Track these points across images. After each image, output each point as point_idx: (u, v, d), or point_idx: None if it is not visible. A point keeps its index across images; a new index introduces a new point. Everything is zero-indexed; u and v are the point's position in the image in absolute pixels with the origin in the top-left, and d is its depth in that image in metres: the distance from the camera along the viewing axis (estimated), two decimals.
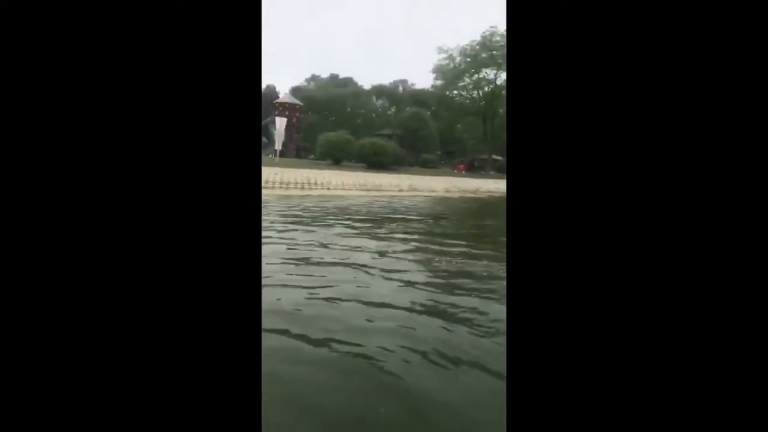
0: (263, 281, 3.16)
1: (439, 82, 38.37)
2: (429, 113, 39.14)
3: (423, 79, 75.71)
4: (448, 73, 36.69)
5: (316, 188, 15.79)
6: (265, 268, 3.60)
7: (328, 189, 16.01)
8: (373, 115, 45.74)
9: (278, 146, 19.60)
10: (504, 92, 33.82)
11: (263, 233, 5.59)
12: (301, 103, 35.04)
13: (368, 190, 17.45)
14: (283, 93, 42.25)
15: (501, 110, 35.87)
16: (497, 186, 23.95)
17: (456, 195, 19.08)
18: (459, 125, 40.46)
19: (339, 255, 4.40)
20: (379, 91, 49.10)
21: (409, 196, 17.08)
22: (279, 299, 2.81)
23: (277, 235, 5.52)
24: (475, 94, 37.74)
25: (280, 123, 19.95)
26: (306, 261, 4.11)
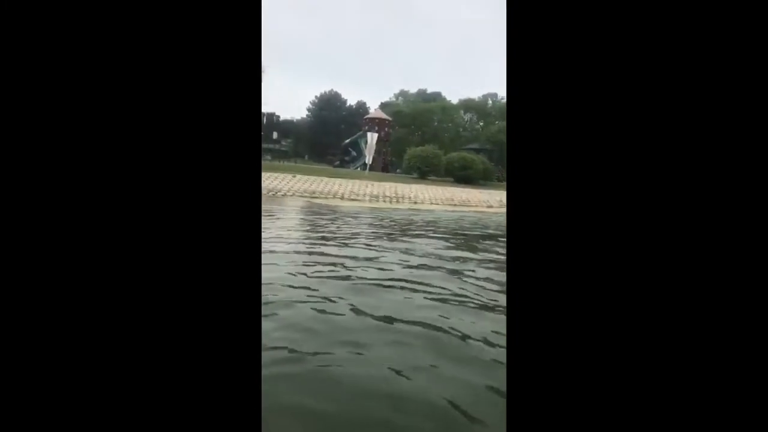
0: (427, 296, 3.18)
1: None
2: None
3: None
4: None
5: (403, 202, 15.94)
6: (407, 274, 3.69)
7: (415, 203, 16.06)
8: (461, 129, 45.33)
9: (368, 160, 20.20)
10: None
11: (372, 242, 5.72)
12: (390, 118, 35.84)
13: (455, 205, 17.22)
14: (373, 108, 43.64)
15: None
16: None
17: None
18: None
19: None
20: (467, 105, 48.59)
21: (500, 212, 16.51)
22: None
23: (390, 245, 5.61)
24: None
25: (371, 138, 20.59)
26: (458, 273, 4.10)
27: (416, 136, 39.28)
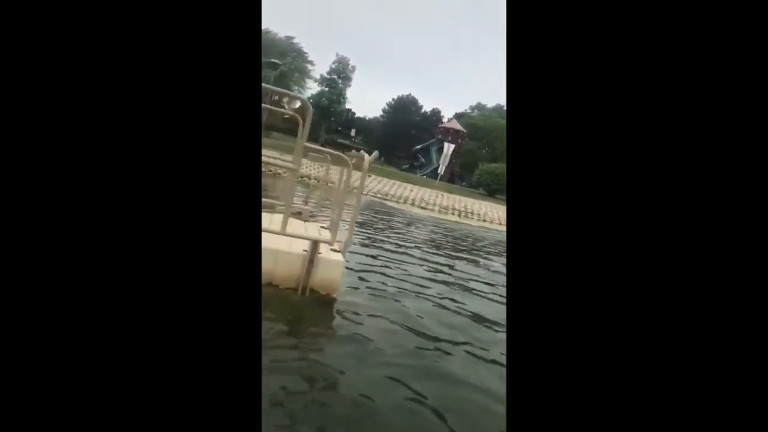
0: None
1: None
2: None
3: None
4: None
5: (472, 218, 15.71)
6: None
7: (484, 221, 15.76)
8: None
9: (441, 170, 20.07)
10: None
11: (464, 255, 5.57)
12: (464, 130, 35.46)
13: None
14: (447, 117, 43.38)
15: None
16: None
17: None
18: None
19: None
20: None
21: None
22: None
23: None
24: None
25: (448, 148, 20.46)
26: None
27: (487, 152, 38.58)
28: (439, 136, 32.34)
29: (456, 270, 5.10)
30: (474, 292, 4.13)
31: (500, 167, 23.73)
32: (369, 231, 6.61)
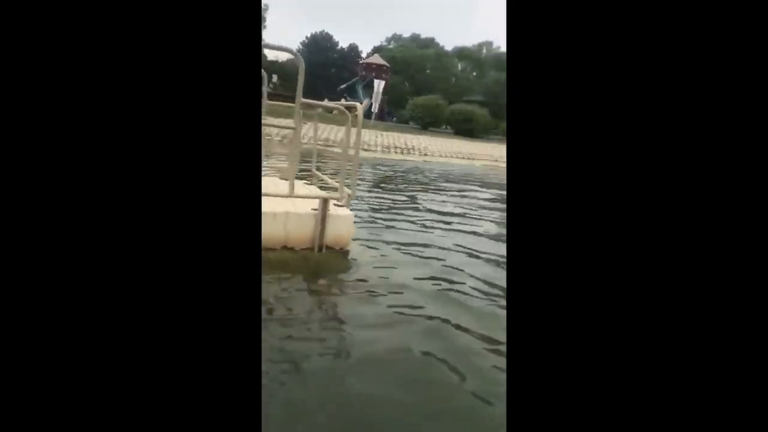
0: None
1: None
2: None
3: None
4: None
5: (414, 153, 15.90)
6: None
7: (425, 155, 16.05)
8: (454, 78, 44.36)
9: (375, 108, 19.71)
10: None
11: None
12: (388, 65, 34.64)
13: (463, 158, 17.30)
14: (365, 52, 41.99)
15: None
16: None
17: None
18: None
19: None
20: (461, 53, 47.27)
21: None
22: None
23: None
24: None
25: (378, 85, 20.00)
26: None
27: (409, 85, 38.33)
28: (363, 73, 31.41)
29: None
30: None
31: (430, 99, 23.86)
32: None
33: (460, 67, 47.22)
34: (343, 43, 46.39)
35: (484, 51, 49.03)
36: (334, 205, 3.12)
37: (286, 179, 4.00)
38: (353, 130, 3.05)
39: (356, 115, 3.04)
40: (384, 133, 17.62)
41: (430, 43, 49.29)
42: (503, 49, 45.34)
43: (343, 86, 32.93)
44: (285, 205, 3.03)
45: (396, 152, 15.38)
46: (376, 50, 43.13)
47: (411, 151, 16.08)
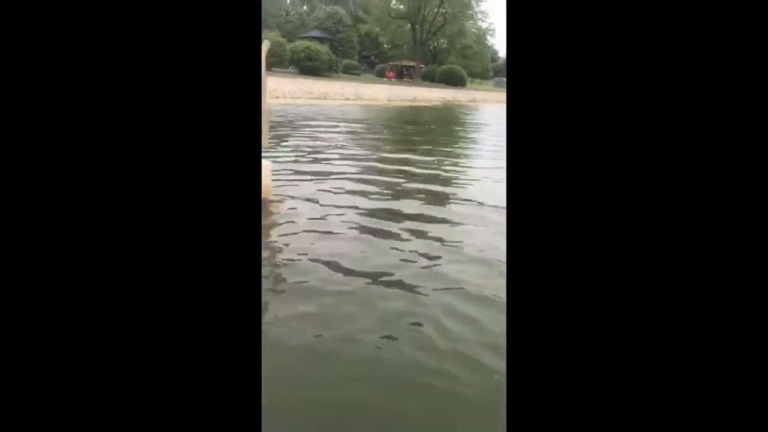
0: None
1: None
2: (348, 14, 37.03)
3: None
4: None
5: (271, 97, 15.01)
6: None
7: (277, 97, 15.33)
8: (284, 13, 41.85)
9: None
10: None
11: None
12: None
13: (316, 98, 17.03)
14: None
15: (430, 16, 35.10)
16: (432, 94, 24.54)
17: (402, 104, 19.39)
18: (378, 29, 39.11)
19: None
20: None
21: (365, 105, 17.07)
22: None
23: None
24: None
25: None
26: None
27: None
28: None
29: None
30: None
31: (268, 37, 22.25)
32: None
33: (288, 1, 44.56)
34: None
35: None
36: None
37: None
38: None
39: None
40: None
41: None
42: None
43: None
44: None
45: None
46: None
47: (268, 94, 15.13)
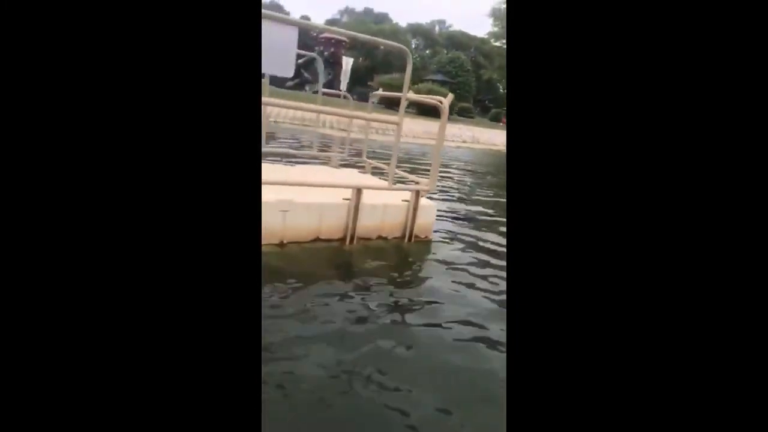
0: None
1: (497, 29, 36.76)
2: (468, 59, 38.11)
3: (475, 24, 69.95)
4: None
5: (406, 136, 15.93)
6: None
7: (414, 137, 16.21)
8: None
9: (343, 87, 19.43)
10: None
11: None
12: (347, 40, 33.84)
13: (435, 139, 17.61)
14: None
15: None
16: None
17: None
18: (496, 76, 39.57)
19: None
20: (415, 30, 47.16)
21: (483, 149, 17.34)
22: None
23: None
24: None
25: (347, 63, 19.66)
26: None
27: (366, 61, 37.88)
28: (320, 48, 30.51)
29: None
30: None
31: (394, 79, 23.86)
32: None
33: (413, 44, 47.20)
34: (295, 15, 44.53)
35: (437, 29, 49.28)
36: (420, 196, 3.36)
37: (365, 172, 4.20)
38: (433, 123, 3.27)
39: (444, 109, 3.26)
40: (359, 113, 17.45)
41: (384, 18, 48.70)
42: (455, 27, 45.94)
43: (300, 61, 31.76)
44: (383, 197, 3.28)
45: (377, 133, 15.45)
46: (330, 23, 41.98)
47: (387, 132, 16.18)
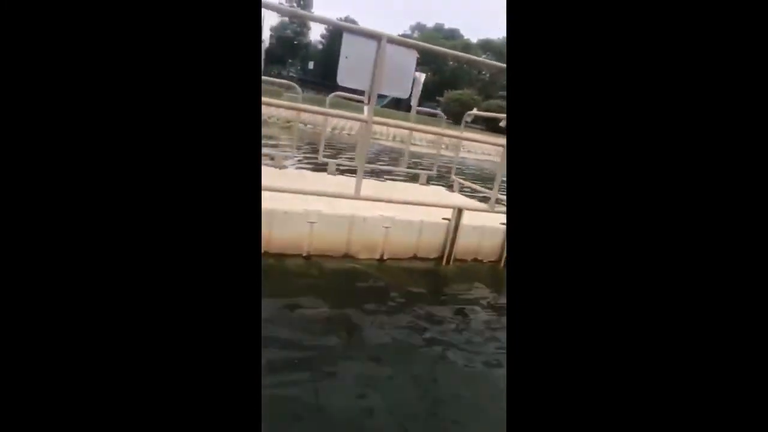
0: None
1: None
2: None
3: None
4: None
5: (476, 153, 15.90)
6: None
7: (469, 151, 16.08)
8: (476, 72, 44.03)
9: (414, 103, 19.59)
10: None
11: None
12: (419, 55, 34.39)
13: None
14: None
15: None
16: None
17: None
18: None
19: None
20: (486, 45, 46.81)
21: None
22: None
23: None
24: None
25: (420, 77, 19.93)
26: None
27: (436, 76, 38.10)
28: None
29: None
30: None
31: (465, 94, 23.87)
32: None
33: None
34: None
35: None
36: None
37: (452, 190, 4.21)
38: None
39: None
40: (424, 127, 17.59)
41: (455, 34, 48.83)
42: None
43: None
44: (480, 219, 3.23)
45: (447, 149, 15.43)
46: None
47: (470, 152, 16.11)
